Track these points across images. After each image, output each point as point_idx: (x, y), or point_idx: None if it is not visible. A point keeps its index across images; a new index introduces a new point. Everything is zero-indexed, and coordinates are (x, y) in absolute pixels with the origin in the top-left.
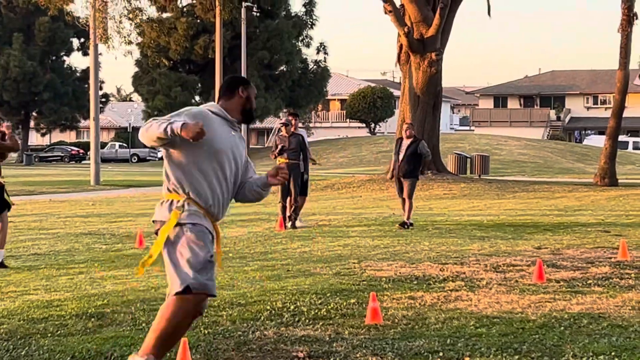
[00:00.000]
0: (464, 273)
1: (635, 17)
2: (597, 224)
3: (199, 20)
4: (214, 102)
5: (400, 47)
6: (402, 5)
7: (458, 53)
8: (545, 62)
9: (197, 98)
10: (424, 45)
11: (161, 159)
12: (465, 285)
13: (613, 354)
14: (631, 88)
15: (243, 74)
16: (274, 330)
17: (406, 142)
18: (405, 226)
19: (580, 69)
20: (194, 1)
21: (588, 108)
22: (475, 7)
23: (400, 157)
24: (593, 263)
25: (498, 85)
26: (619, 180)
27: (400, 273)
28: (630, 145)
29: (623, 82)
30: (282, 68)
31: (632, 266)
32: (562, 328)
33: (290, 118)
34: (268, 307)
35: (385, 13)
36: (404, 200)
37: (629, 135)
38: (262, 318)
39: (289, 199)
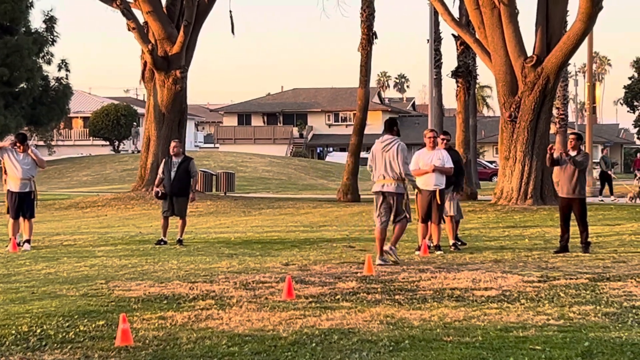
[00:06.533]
0: (214, 291)
1: (374, 36)
2: (342, 239)
3: None
4: None
5: (145, 64)
6: (146, 23)
7: (202, 70)
8: (288, 80)
9: None
10: (169, 63)
11: None
12: (216, 304)
13: None
14: (371, 106)
15: None
16: (20, 355)
17: (176, 160)
18: (181, 243)
19: (322, 86)
20: None
21: (330, 125)
22: (219, 25)
23: (173, 175)
24: (340, 278)
25: (242, 102)
26: (361, 196)
27: (149, 293)
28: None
29: (364, 100)
30: (22, 85)
31: (377, 281)
32: (313, 344)
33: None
34: (13, 332)
35: (129, 30)
36: (166, 219)
37: (368, 151)
38: (7, 343)
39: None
